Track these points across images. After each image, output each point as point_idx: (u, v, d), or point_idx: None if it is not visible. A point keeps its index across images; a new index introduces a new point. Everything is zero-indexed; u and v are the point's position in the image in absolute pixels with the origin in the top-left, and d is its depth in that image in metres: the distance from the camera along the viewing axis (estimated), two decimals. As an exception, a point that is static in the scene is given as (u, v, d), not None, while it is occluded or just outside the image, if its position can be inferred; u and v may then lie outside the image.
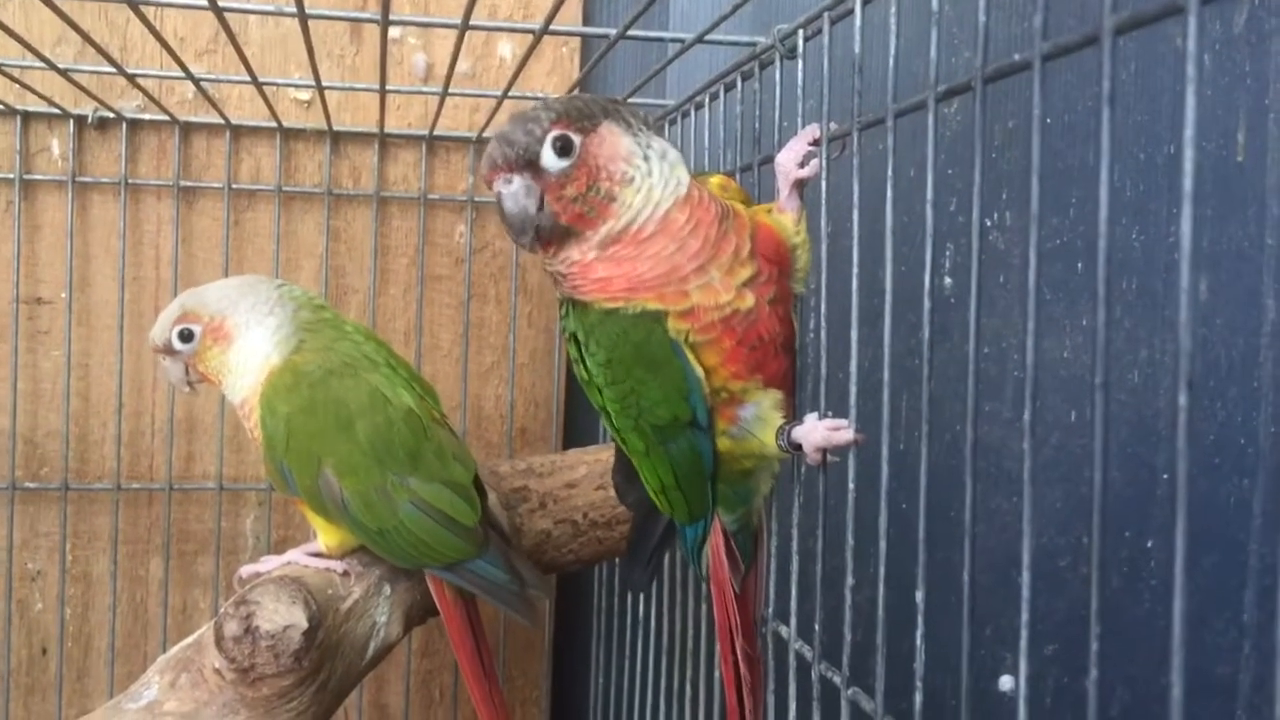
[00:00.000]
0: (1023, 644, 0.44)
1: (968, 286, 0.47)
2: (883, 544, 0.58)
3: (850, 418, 0.62)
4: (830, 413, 0.65)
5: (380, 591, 0.91)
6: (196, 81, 1.14)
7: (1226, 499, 0.55)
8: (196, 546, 1.43)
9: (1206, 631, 0.55)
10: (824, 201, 0.65)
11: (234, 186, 1.41)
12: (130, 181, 1.39)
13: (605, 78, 1.54)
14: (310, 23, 0.86)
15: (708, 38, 0.86)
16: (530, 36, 0.88)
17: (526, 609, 0.91)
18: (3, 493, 1.37)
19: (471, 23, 0.84)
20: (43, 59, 1.01)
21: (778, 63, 0.75)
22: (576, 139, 0.65)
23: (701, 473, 0.71)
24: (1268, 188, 0.53)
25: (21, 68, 1.21)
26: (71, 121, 1.36)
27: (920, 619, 0.54)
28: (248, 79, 1.07)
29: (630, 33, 0.86)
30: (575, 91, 1.24)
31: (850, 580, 0.62)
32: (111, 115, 1.36)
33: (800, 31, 0.71)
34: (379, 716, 1.49)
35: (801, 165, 0.69)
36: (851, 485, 0.61)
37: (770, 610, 0.76)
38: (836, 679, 0.63)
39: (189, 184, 1.40)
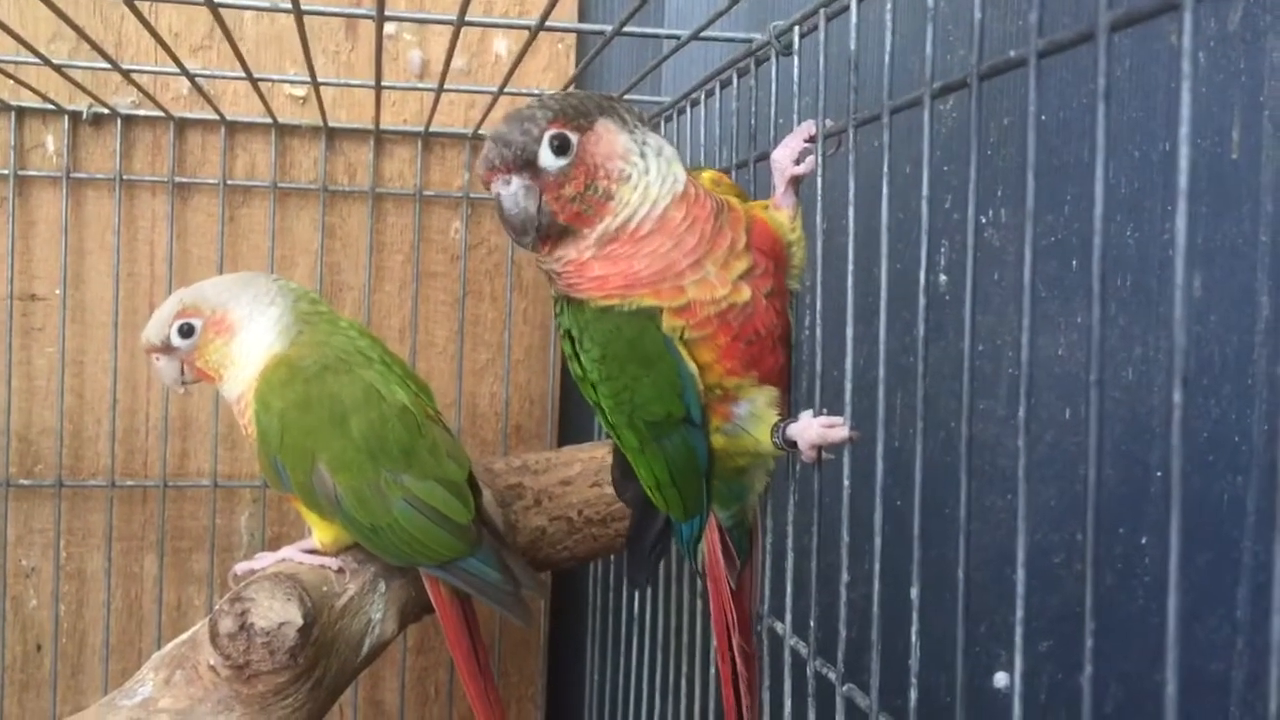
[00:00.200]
0: (1017, 640, 0.44)
1: (963, 283, 0.47)
2: (878, 541, 0.58)
3: (845, 415, 0.62)
4: (825, 410, 0.65)
5: (375, 588, 0.91)
6: (191, 77, 1.14)
7: (1220, 496, 0.55)
8: (191, 543, 1.43)
9: (1200, 628, 0.55)
10: (819, 198, 0.65)
11: (229, 183, 1.41)
12: (125, 177, 1.38)
13: (601, 74, 1.54)
14: (305, 19, 0.86)
15: (703, 34, 0.86)
16: (526, 32, 0.88)
17: (520, 608, 0.91)
18: (-3, 489, 1.37)
19: (467, 19, 0.83)
20: (38, 55, 1.01)
21: (773, 59, 0.75)
22: (574, 137, 0.64)
23: (696, 469, 0.71)
24: (1262, 185, 0.54)
25: (16, 63, 1.20)
26: (66, 117, 1.36)
27: (915, 616, 0.54)
28: (243, 75, 1.07)
29: (626, 29, 0.86)
30: (571, 88, 1.24)
31: (845, 577, 0.62)
32: (106, 111, 1.35)
33: (796, 28, 0.71)
34: (374, 713, 1.49)
35: (797, 162, 0.69)
36: (846, 482, 0.61)
37: (766, 607, 0.76)
38: (832, 675, 0.63)
39: (184, 180, 1.40)
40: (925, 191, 0.53)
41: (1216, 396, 0.55)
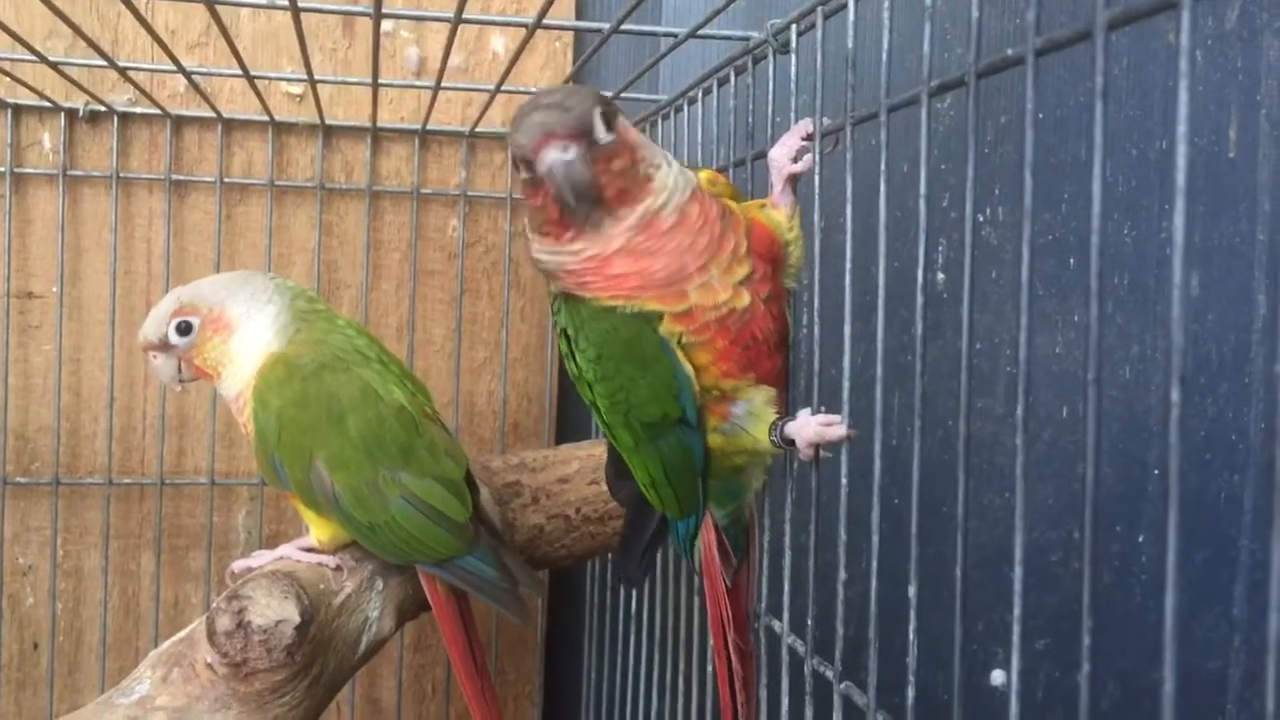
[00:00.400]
0: (1015, 638, 0.44)
1: (960, 282, 0.47)
2: (875, 539, 0.58)
3: (843, 413, 0.62)
4: (823, 408, 0.65)
5: (373, 586, 0.91)
6: (188, 75, 1.14)
7: (1217, 494, 0.55)
8: (188, 541, 1.43)
9: (1197, 626, 0.56)
10: (817, 197, 0.65)
11: (226, 180, 1.40)
12: (122, 175, 1.38)
13: (598, 72, 1.54)
14: (302, 16, 0.86)
15: (701, 32, 0.86)
16: (523, 31, 0.88)
17: (516, 606, 0.91)
18: (-7, 487, 1.37)
19: (464, 16, 0.83)
20: (34, 52, 1.01)
21: (771, 57, 0.75)
22: (616, 117, 0.64)
23: (692, 469, 0.71)
24: (1259, 183, 0.54)
25: (13, 60, 1.20)
26: (63, 115, 1.36)
27: (913, 614, 0.54)
28: (240, 72, 1.07)
29: (623, 27, 0.86)
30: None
31: (843, 575, 0.62)
32: (103, 109, 1.35)
33: (793, 26, 0.71)
34: (371, 711, 1.49)
35: (795, 160, 0.69)
36: (844, 480, 0.61)
37: (763, 605, 0.76)
38: (829, 673, 0.63)
39: (181, 178, 1.40)
40: (923, 190, 0.53)
41: (1214, 395, 0.56)
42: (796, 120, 0.69)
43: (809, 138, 0.67)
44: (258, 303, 0.90)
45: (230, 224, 1.42)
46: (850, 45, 0.61)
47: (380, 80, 1.14)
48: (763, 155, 0.72)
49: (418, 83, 1.38)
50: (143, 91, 1.26)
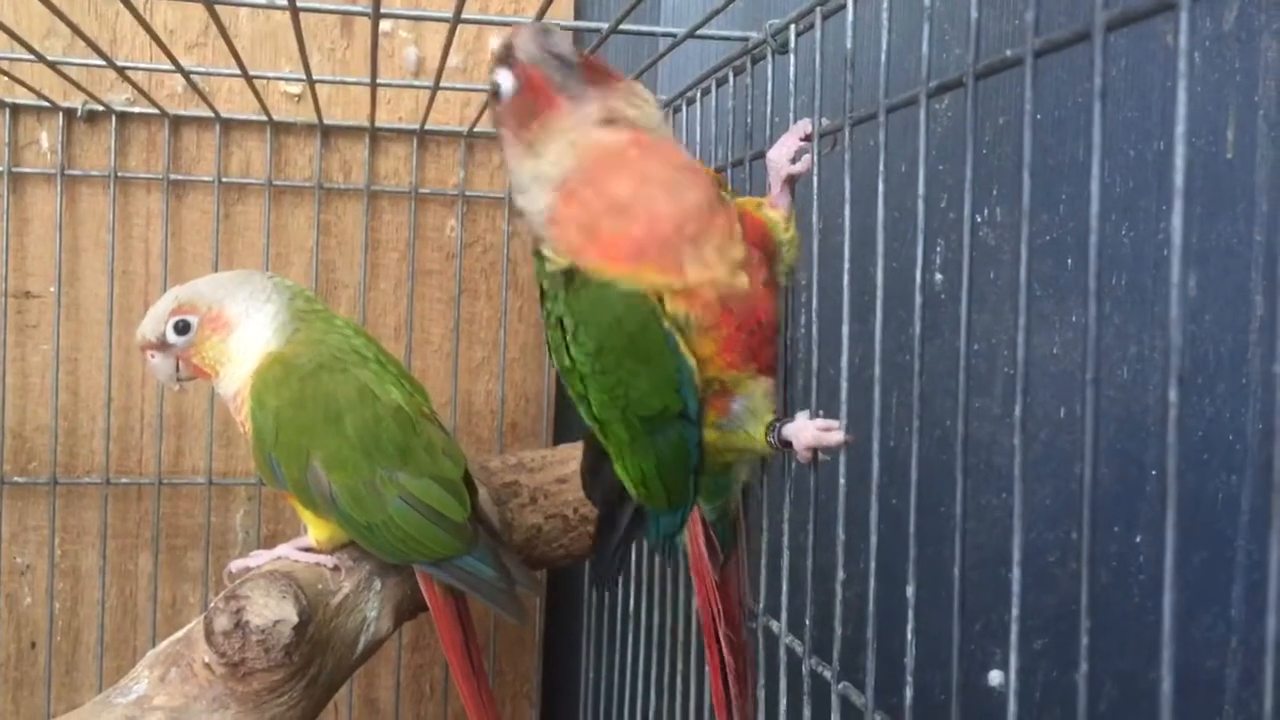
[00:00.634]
0: (1012, 639, 0.44)
1: (958, 282, 0.47)
2: (873, 539, 0.58)
3: (841, 414, 0.62)
4: (821, 411, 0.65)
5: (370, 586, 0.91)
6: (186, 74, 1.14)
7: (1215, 494, 0.55)
8: (186, 541, 1.43)
9: (1195, 626, 0.56)
10: (815, 197, 0.65)
11: (224, 180, 1.40)
12: (120, 175, 1.38)
13: (597, 72, 1.53)
14: (301, 16, 0.86)
15: (700, 32, 0.86)
16: (522, 30, 0.88)
17: (514, 606, 0.91)
18: (-9, 487, 1.37)
19: (463, 16, 0.83)
20: (32, 51, 1.01)
21: (769, 58, 0.75)
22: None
23: (686, 465, 0.70)
24: (1257, 184, 0.54)
25: (10, 60, 1.20)
26: (61, 114, 1.36)
27: (911, 614, 0.54)
28: (238, 72, 1.07)
29: (622, 27, 0.86)
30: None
31: (841, 575, 0.62)
32: (101, 108, 1.35)
33: (792, 26, 0.71)
34: (369, 711, 1.49)
35: (793, 161, 0.69)
36: (842, 480, 0.61)
37: (761, 605, 0.76)
38: (827, 674, 0.63)
39: (179, 177, 1.40)
40: (921, 190, 0.53)
41: (1211, 395, 0.56)
42: (795, 121, 0.69)
43: (807, 138, 0.67)
44: (256, 302, 0.90)
45: (228, 224, 1.42)
46: (849, 46, 0.61)
47: (378, 80, 1.14)
48: (761, 156, 0.72)
49: (416, 83, 1.38)
50: (141, 91, 1.26)
